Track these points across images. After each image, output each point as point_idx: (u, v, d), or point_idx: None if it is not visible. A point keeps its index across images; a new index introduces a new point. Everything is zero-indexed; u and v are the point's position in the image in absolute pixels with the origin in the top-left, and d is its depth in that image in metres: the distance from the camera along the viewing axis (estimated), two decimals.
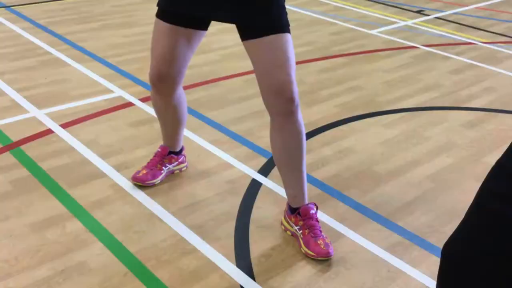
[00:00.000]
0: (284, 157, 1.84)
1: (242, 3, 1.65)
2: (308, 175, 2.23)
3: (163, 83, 1.91)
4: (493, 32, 4.50)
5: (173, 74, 1.88)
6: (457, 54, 3.95)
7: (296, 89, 1.73)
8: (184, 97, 2.07)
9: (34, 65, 3.31)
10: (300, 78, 3.39)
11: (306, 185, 1.89)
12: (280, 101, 1.72)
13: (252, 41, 1.69)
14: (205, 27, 1.82)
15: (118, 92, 3.01)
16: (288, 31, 1.70)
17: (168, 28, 1.79)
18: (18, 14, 4.23)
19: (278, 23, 1.68)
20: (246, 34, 1.71)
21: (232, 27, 1.73)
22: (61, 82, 3.08)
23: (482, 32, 4.50)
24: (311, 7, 4.99)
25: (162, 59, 1.85)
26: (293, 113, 1.75)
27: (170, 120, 2.11)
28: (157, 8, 1.81)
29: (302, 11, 4.82)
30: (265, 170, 2.31)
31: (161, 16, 1.80)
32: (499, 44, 4.22)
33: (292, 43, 1.71)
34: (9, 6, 4.40)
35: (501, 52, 4.02)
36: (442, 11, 5.06)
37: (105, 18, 4.28)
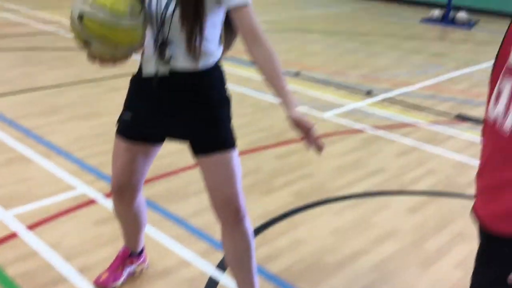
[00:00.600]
0: (234, 261, 2.01)
1: (192, 123, 1.86)
2: (261, 269, 2.39)
3: (124, 192, 2.08)
4: (436, 112, 4.86)
5: (133, 184, 2.06)
6: (403, 135, 4.25)
7: (242, 201, 1.92)
8: (144, 203, 2.23)
9: (1, 163, 3.43)
10: (256, 166, 3.62)
11: (257, 284, 2.05)
12: (227, 213, 1.91)
13: (201, 157, 1.89)
14: (161, 141, 2.02)
15: (82, 188, 3.15)
16: (234, 147, 1.90)
17: (127, 145, 1.97)
18: None
19: (225, 141, 1.88)
20: (196, 150, 1.91)
21: None
22: (25, 180, 3.21)
23: (426, 112, 4.85)
24: (267, 90, 5.29)
25: (121, 172, 2.02)
26: (240, 222, 1.93)
27: (131, 225, 2.26)
28: (117, 124, 2.01)
29: (258, 95, 5.11)
30: (223, 265, 2.46)
31: (120, 133, 1.99)
32: (441, 124, 4.56)
33: (238, 159, 1.90)
34: None
35: (442, 134, 4.35)
36: (390, 91, 5.44)
37: (70, 110, 4.46)
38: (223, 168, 1.87)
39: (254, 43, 1.70)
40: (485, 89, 2.52)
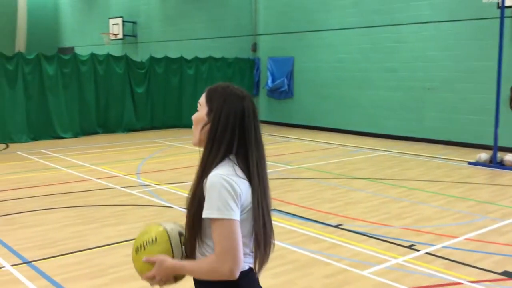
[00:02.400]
0: None
1: None
2: None
3: None
4: (481, 269, 4.73)
5: None
6: None
7: None
8: None
9: None
10: None
11: None
12: None
13: None
14: None
15: None
16: None
17: None
18: (38, 271, 4.64)
19: None
20: None
21: None
22: None
23: (470, 269, 4.73)
24: (307, 245, 5.36)
25: None
26: None
27: None
28: None
29: (299, 250, 5.17)
30: None
31: None
32: (485, 282, 4.42)
33: None
34: (30, 262, 4.85)
35: None
36: (432, 245, 5.37)
37: (116, 271, 4.66)
38: None
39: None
40: None
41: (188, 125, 15.70)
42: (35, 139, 12.99)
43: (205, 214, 1.85)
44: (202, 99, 2.01)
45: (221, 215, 1.83)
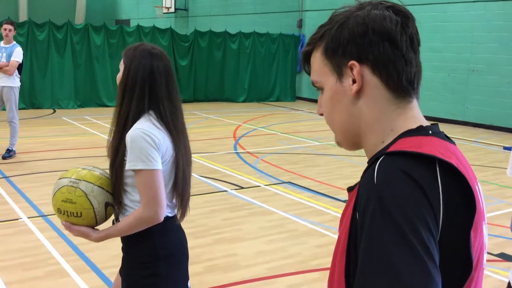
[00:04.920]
0: None
1: None
2: None
3: None
4: None
5: None
6: None
7: None
8: None
9: (41, 275, 3.91)
10: None
11: None
12: None
13: None
14: None
15: None
16: None
17: None
18: (50, 223, 5.00)
19: None
20: None
21: None
22: None
23: None
24: (310, 217, 5.47)
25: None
26: None
27: None
28: None
29: (299, 221, 5.30)
30: None
31: None
32: None
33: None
34: (45, 215, 5.22)
35: None
36: None
37: None
38: None
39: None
40: None
41: (230, 99, 16.00)
42: (81, 106, 13.59)
43: (129, 166, 2.01)
44: (122, 60, 2.15)
45: (145, 166, 1.99)
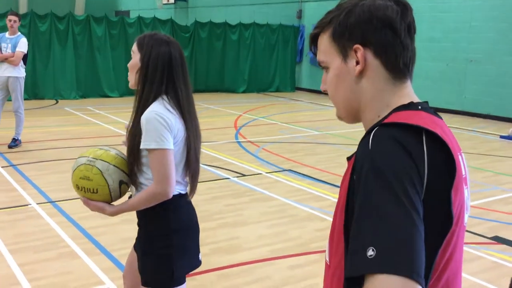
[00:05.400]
0: None
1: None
2: None
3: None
4: (472, 233, 4.87)
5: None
6: None
7: None
8: None
9: (52, 257, 4.08)
10: (266, 275, 3.91)
11: None
12: None
13: None
14: None
15: (109, 284, 3.65)
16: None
17: None
18: (58, 209, 5.17)
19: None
20: None
21: None
22: (65, 274, 3.79)
23: None
24: (310, 203, 5.64)
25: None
26: None
27: None
28: None
29: (300, 206, 5.46)
30: None
31: None
32: (472, 244, 4.57)
33: None
34: (54, 201, 5.38)
35: (466, 254, 4.36)
36: None
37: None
38: None
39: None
40: None
41: (230, 89, 16.12)
42: (83, 96, 13.72)
43: (143, 145, 2.17)
44: (135, 47, 2.30)
45: (158, 146, 2.15)
